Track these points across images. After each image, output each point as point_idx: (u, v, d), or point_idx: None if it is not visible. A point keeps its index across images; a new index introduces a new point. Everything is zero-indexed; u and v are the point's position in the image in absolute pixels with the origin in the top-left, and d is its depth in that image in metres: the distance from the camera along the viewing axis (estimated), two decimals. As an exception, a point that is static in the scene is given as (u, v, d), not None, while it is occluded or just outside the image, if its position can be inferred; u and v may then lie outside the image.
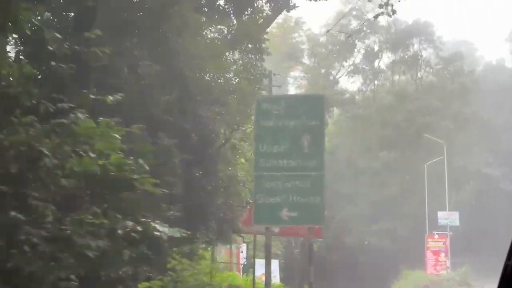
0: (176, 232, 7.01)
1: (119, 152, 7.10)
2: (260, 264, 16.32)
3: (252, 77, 19.31)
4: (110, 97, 7.52)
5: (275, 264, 28.30)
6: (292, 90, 61.71)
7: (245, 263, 25.57)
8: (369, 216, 53.84)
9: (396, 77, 58.82)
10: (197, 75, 16.76)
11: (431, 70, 56.67)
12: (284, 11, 24.03)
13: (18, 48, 9.76)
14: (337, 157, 59.77)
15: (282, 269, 33.95)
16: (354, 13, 55.56)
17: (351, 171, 56.79)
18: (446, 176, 37.57)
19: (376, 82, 56.96)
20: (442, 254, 37.85)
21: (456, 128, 50.80)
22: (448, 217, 37.09)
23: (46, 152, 6.20)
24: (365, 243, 52.15)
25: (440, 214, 37.06)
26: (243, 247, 25.65)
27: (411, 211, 49.85)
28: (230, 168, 21.06)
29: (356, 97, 57.85)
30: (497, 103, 57.27)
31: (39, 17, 8.84)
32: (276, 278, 24.09)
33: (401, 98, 53.14)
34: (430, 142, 51.47)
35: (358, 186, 55.25)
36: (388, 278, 40.37)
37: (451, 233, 41.52)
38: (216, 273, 14.13)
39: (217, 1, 19.30)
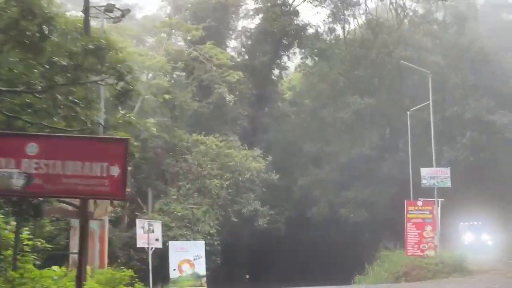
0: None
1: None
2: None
3: None
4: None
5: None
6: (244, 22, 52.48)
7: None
8: (339, 181, 44.72)
9: (371, 4, 49.00)
10: None
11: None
12: None
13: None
14: (300, 107, 50.59)
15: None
16: None
17: (316, 124, 47.42)
18: (431, 122, 28.57)
19: (346, 12, 47.06)
20: (428, 228, 29.29)
21: (447, 65, 41.43)
22: (435, 176, 27.96)
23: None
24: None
25: (423, 171, 28.22)
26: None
27: (393, 174, 41.03)
28: None
29: (321, 31, 48.02)
30: (500, 36, 47.95)
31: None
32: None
33: (377, 29, 43.44)
34: (414, 84, 42.24)
35: (325, 144, 45.89)
36: (362, 262, 31.46)
37: (442, 199, 32.74)
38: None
39: None
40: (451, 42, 43.19)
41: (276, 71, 50.89)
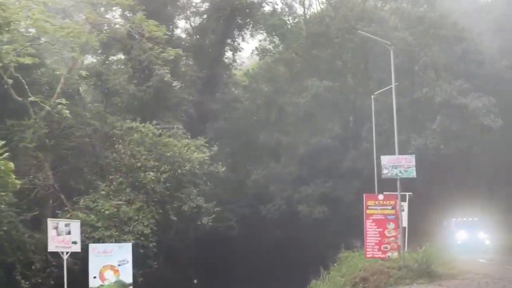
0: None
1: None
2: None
3: None
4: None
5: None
6: None
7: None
8: (298, 175, 41.03)
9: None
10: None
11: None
12: None
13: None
14: (254, 93, 46.73)
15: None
16: None
17: (273, 111, 43.60)
18: (394, 103, 25.11)
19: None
20: (391, 226, 25.99)
21: (417, 44, 37.90)
22: (398, 164, 24.34)
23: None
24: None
25: (384, 160, 24.75)
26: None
27: (357, 166, 37.53)
28: None
29: (279, 8, 44.18)
30: (476, 18, 44.59)
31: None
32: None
33: (338, 5, 39.78)
34: (380, 66, 38.70)
35: (283, 133, 42.10)
36: (325, 264, 28.73)
37: (410, 193, 30.46)
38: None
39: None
40: (420, 18, 39.57)
41: (229, 54, 46.94)
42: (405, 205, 31.20)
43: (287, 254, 41.58)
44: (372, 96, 36.61)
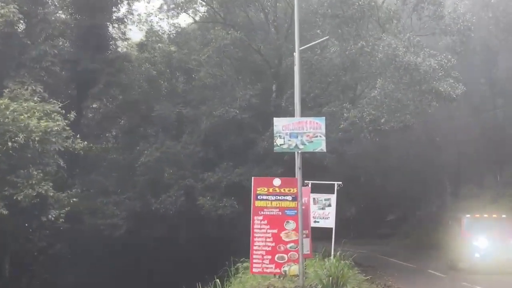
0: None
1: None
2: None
3: None
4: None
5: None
6: None
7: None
8: (201, 157, 33.18)
9: None
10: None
11: None
12: None
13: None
14: (152, 52, 38.63)
15: None
16: None
17: (176, 77, 35.74)
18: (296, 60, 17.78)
19: None
20: (291, 225, 18.76)
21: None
22: (299, 131, 16.29)
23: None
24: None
25: (278, 123, 16.75)
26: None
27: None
28: None
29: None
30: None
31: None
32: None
33: None
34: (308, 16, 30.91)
35: (185, 103, 34.14)
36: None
37: (339, 182, 23.91)
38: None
39: None
40: None
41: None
42: (333, 198, 24.31)
43: (185, 258, 33.54)
44: (294, 54, 28.68)
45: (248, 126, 32.53)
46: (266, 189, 19.01)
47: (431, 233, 42.14)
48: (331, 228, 23.88)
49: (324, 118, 17.82)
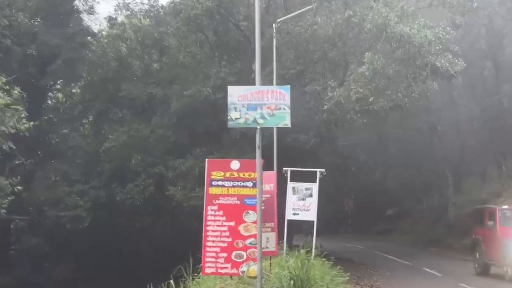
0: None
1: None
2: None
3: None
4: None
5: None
6: None
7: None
8: (172, 142, 30.44)
9: None
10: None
11: None
12: None
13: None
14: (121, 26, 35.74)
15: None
16: None
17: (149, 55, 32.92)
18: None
19: None
20: (250, 217, 15.77)
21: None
22: (258, 103, 13.27)
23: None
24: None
25: (232, 92, 13.47)
26: None
27: (253, 130, 26.71)
28: None
29: None
30: None
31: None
32: None
33: None
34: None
35: (156, 83, 31.39)
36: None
37: (322, 170, 21.18)
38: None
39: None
40: None
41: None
42: (315, 188, 21.46)
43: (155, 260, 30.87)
44: (274, 25, 26.32)
45: (223, 107, 29.58)
46: (222, 173, 16.30)
47: (432, 228, 40.80)
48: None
49: (289, 86, 14.88)
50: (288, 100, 14.68)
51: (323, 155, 31.51)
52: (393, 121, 39.22)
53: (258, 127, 14.77)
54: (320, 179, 20.84)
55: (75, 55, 32.77)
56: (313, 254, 19.73)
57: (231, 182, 15.99)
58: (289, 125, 14.98)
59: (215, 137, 29.89)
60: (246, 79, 30.31)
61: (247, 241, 15.55)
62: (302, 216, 22.11)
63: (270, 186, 17.21)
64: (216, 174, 16.08)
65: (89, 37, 34.04)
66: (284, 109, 14.69)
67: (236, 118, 14.87)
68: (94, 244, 32.13)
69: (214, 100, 28.57)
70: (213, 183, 15.86)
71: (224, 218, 15.81)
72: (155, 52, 36.09)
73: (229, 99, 14.95)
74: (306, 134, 27.34)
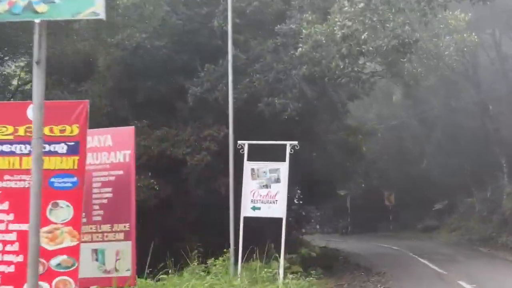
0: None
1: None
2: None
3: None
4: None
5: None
6: None
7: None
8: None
9: None
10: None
11: None
12: None
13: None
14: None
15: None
16: None
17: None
18: None
19: None
20: (63, 213, 7.99)
21: None
22: None
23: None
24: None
25: None
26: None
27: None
28: None
29: None
30: None
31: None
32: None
33: None
34: None
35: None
36: None
37: (294, 142, 16.44)
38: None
39: None
40: None
41: None
42: (283, 169, 15.69)
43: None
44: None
45: (171, 63, 21.99)
46: (11, 128, 9.11)
47: (483, 225, 36.85)
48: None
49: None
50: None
51: (323, 132, 23.75)
52: (435, 100, 36.45)
53: (37, 20, 7.14)
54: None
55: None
56: (280, 274, 14.36)
57: (25, 146, 8.94)
58: (102, 17, 7.18)
59: (165, 106, 22.27)
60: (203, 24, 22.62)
61: (53, 262, 8.53)
62: (265, 212, 15.60)
63: (123, 154, 9.56)
64: (1, 131, 9.00)
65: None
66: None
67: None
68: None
69: (151, 48, 20.69)
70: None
71: (10, 217, 8.77)
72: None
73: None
74: (284, 97, 19.48)
